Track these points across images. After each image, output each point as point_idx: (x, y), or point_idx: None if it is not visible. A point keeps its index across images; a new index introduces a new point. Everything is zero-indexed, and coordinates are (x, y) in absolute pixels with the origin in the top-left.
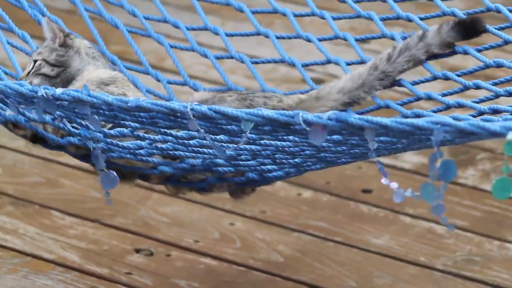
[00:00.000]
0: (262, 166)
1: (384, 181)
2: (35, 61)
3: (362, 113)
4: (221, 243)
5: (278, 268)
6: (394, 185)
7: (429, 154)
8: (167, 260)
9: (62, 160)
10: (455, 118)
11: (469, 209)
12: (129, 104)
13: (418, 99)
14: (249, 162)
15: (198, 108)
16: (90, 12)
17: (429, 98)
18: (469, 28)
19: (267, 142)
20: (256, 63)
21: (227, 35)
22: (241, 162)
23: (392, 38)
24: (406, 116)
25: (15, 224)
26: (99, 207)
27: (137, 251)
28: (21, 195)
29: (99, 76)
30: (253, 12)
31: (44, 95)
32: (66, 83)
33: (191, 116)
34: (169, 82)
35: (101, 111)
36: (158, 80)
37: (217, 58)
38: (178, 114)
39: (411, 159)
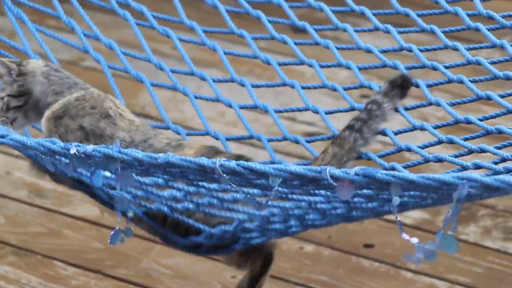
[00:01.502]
0: (289, 229)
1: (404, 236)
2: (2, 98)
3: None
4: None
5: None
6: (414, 240)
7: (431, 210)
8: None
9: (64, 211)
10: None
11: (470, 265)
12: (159, 161)
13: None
14: (277, 226)
15: (227, 164)
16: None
17: (408, 149)
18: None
19: (299, 197)
20: (280, 111)
21: (253, 86)
22: (271, 226)
23: (417, 86)
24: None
25: (17, 274)
26: (101, 257)
27: None
28: (23, 245)
29: (51, 110)
30: (280, 64)
31: (76, 153)
32: (36, 107)
33: (221, 172)
34: (188, 134)
35: (132, 165)
36: (178, 133)
37: (242, 107)
38: (208, 169)
39: (413, 214)
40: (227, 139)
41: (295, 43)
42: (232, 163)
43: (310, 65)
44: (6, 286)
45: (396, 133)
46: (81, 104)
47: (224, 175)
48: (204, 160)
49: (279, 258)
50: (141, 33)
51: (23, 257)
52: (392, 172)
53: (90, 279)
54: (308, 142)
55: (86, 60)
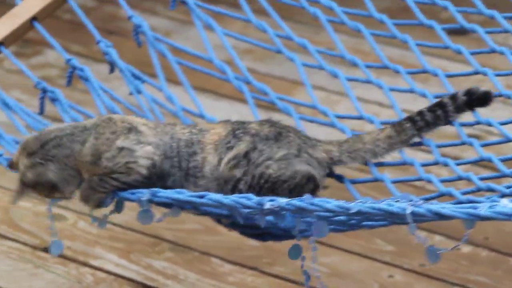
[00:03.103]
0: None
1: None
2: None
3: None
4: None
5: None
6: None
7: None
8: None
9: None
10: None
11: None
12: (350, 211)
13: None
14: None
15: (417, 210)
16: None
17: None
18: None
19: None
20: None
21: (390, 90)
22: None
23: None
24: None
25: (175, 270)
26: (258, 255)
27: None
28: (180, 241)
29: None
30: (408, 73)
31: (270, 206)
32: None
33: (411, 221)
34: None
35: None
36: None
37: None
38: (396, 216)
39: None
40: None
41: None
42: (423, 208)
43: None
44: (164, 281)
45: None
46: (99, 136)
47: (413, 223)
48: (394, 207)
49: None
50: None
51: (180, 253)
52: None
53: (247, 276)
54: None
55: None
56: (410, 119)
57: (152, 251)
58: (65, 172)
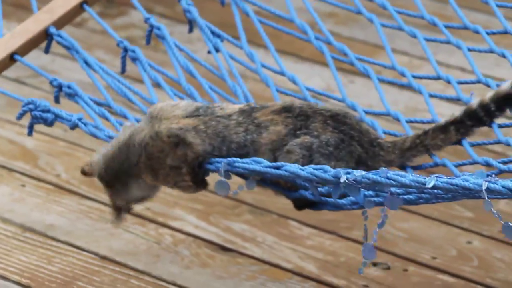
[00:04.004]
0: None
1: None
2: None
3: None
4: (458, 261)
5: None
6: None
7: None
8: (404, 275)
9: None
10: None
11: None
12: (426, 186)
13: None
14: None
15: (492, 186)
16: None
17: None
18: None
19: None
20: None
21: (469, 50)
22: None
23: None
24: None
25: (253, 232)
26: (337, 219)
27: (374, 264)
28: (259, 204)
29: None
30: (488, 33)
31: (346, 181)
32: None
33: (486, 197)
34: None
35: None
36: None
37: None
38: (472, 191)
39: None
40: None
41: None
42: (498, 186)
43: None
44: (242, 243)
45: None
46: (152, 156)
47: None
48: (470, 184)
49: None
50: None
51: (259, 216)
52: None
53: (325, 240)
54: None
55: None
56: (453, 123)
57: (231, 213)
58: (127, 185)
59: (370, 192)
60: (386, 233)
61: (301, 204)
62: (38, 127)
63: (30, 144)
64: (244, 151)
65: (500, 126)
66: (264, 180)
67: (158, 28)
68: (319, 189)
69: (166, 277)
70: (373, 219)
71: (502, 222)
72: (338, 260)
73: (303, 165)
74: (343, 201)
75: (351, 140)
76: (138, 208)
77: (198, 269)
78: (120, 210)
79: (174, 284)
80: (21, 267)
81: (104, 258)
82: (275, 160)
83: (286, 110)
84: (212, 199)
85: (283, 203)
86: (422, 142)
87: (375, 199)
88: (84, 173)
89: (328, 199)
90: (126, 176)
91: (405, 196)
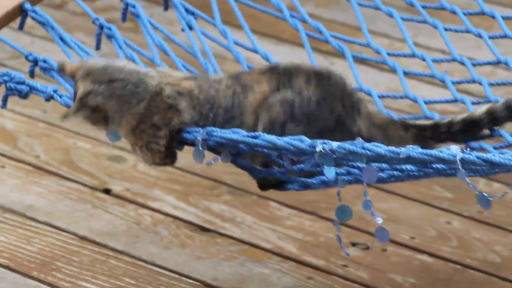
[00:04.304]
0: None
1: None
2: None
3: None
4: (437, 241)
5: (495, 268)
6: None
7: None
8: (383, 255)
9: None
10: None
11: None
12: (401, 155)
13: None
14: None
15: (467, 157)
16: None
17: None
18: None
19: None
20: (473, 65)
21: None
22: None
23: None
24: None
25: (233, 213)
26: (317, 200)
27: (353, 244)
28: (239, 185)
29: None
30: (465, 14)
31: (322, 150)
32: None
33: (460, 167)
34: None
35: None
36: None
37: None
38: (447, 162)
39: None
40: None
41: None
42: (473, 156)
43: None
44: (221, 224)
45: None
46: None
47: (463, 171)
48: (444, 154)
49: (494, 205)
50: None
51: (238, 197)
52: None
53: (305, 220)
54: None
55: None
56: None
57: (211, 194)
58: (117, 114)
59: (342, 171)
60: (366, 214)
61: (265, 184)
62: (18, 107)
63: (9, 125)
64: (230, 114)
65: None
66: (238, 155)
67: (133, 6)
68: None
69: (145, 257)
70: (353, 200)
71: (477, 193)
72: (317, 241)
73: (283, 122)
74: (312, 180)
75: (333, 98)
76: (117, 189)
77: (177, 249)
78: (83, 109)
79: (153, 264)
80: (0, 247)
81: (83, 238)
82: (257, 120)
83: (271, 70)
84: (191, 180)
85: None
86: (388, 125)
87: (347, 177)
88: (62, 68)
89: (298, 178)
90: (116, 109)
91: (379, 174)
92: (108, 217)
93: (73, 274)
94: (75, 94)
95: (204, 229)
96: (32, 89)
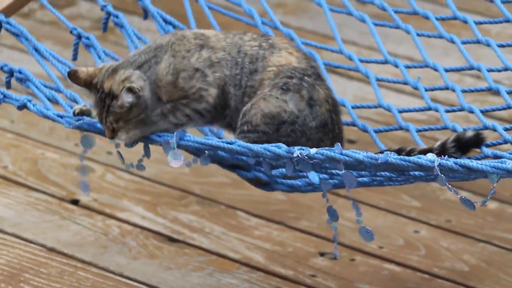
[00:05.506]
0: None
1: None
2: None
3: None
4: (405, 250)
5: (463, 277)
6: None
7: None
8: (351, 265)
9: None
10: None
11: None
12: (379, 161)
13: None
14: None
15: (444, 163)
16: None
17: None
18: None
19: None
20: (446, 71)
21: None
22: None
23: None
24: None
25: (201, 223)
26: (284, 209)
27: (322, 254)
28: (207, 194)
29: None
30: (438, 19)
31: (299, 155)
32: None
33: (439, 172)
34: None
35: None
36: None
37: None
38: (425, 168)
39: None
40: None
41: None
42: (450, 162)
43: None
44: (190, 234)
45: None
46: (176, 54)
47: (443, 176)
48: (423, 160)
49: (462, 214)
50: None
51: (207, 207)
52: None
53: (273, 230)
54: None
55: None
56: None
57: (179, 204)
58: (153, 97)
59: (325, 176)
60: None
61: (254, 184)
62: None
63: None
64: (254, 66)
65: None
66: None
67: (116, 16)
68: (274, 172)
69: (113, 268)
70: (321, 209)
71: (459, 197)
72: (285, 250)
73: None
74: (298, 182)
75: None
76: (85, 199)
77: (146, 260)
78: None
79: (121, 275)
80: None
81: (51, 250)
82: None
83: (306, 54)
84: (159, 190)
85: (231, 194)
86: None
87: (331, 180)
88: (74, 74)
89: (284, 180)
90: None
91: (360, 179)
92: (76, 228)
93: (41, 286)
94: (106, 94)
95: (172, 240)
96: (5, 97)
